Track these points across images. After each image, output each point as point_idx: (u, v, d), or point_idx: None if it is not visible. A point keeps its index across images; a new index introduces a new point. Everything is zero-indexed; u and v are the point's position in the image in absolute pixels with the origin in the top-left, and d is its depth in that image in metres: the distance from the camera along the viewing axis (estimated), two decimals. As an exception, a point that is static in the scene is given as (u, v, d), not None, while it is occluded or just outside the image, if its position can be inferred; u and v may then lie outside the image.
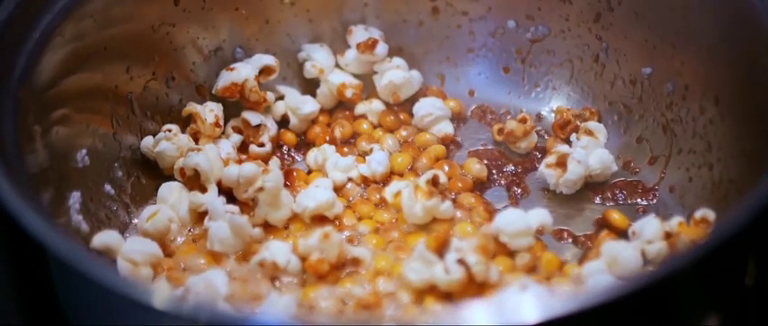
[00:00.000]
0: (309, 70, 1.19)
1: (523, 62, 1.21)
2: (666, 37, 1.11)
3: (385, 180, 1.11)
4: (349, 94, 1.18)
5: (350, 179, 1.11)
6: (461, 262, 0.93)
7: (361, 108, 1.19)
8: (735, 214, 0.84)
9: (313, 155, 1.14)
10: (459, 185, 1.10)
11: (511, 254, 1.01)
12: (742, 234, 0.84)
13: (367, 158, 1.12)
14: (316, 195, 1.05)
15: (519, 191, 1.11)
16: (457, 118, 1.19)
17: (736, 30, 1.03)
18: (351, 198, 1.10)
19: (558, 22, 1.18)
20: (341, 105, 1.20)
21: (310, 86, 1.20)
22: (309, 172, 1.13)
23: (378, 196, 1.09)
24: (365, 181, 1.12)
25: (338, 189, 1.10)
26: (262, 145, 1.14)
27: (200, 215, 1.06)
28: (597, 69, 1.17)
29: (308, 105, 1.17)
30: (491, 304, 0.92)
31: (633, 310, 0.81)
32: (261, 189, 1.03)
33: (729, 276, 0.92)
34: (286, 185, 1.08)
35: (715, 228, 0.96)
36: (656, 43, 1.12)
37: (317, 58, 1.19)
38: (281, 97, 1.19)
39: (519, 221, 1.00)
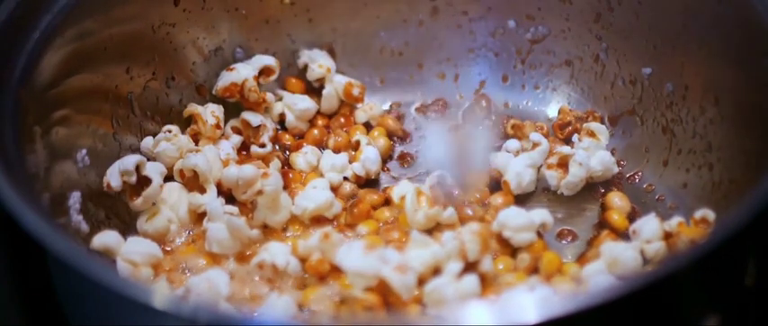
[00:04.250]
0: (316, 70, 1.19)
1: (523, 62, 1.21)
2: (666, 37, 1.11)
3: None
4: (356, 92, 1.18)
5: (345, 178, 1.11)
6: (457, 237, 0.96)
7: (361, 116, 1.19)
8: (735, 214, 0.84)
9: (301, 157, 1.13)
10: (477, 196, 1.09)
11: (513, 254, 1.01)
12: (742, 234, 0.84)
13: (360, 157, 1.12)
14: (314, 197, 1.05)
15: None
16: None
17: (737, 30, 1.03)
18: (349, 200, 1.10)
19: (558, 22, 1.18)
20: (339, 113, 1.20)
21: (311, 92, 1.20)
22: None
23: (375, 197, 1.09)
24: (358, 180, 1.12)
25: (335, 189, 1.10)
26: (262, 145, 1.14)
27: (199, 216, 1.06)
28: (597, 69, 1.17)
29: (304, 102, 1.17)
30: (491, 304, 0.92)
31: (633, 310, 0.81)
32: (260, 192, 1.03)
33: (729, 276, 0.92)
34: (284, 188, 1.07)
35: (715, 228, 0.96)
36: (656, 43, 1.12)
37: (320, 60, 1.19)
38: (281, 99, 1.19)
39: (521, 216, 1.00)
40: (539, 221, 1.02)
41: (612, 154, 1.13)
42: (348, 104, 1.20)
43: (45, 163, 0.98)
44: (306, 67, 1.20)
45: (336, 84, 1.19)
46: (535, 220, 1.01)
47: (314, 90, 1.20)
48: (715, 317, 0.90)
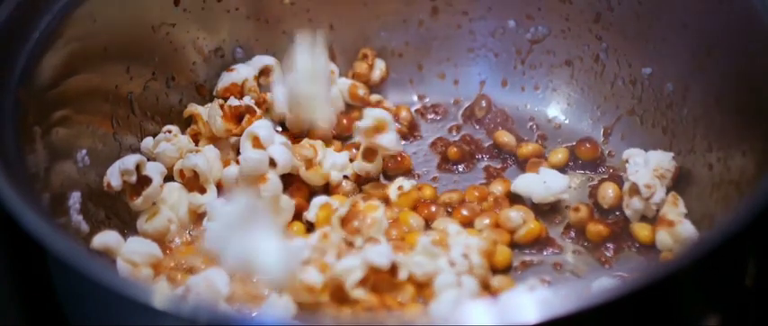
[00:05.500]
0: None
1: (523, 63, 1.21)
2: (666, 37, 1.11)
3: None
4: (361, 93, 1.18)
5: (345, 177, 1.11)
6: (466, 256, 0.96)
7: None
8: (735, 214, 0.84)
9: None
10: (476, 194, 1.09)
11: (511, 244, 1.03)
12: (742, 234, 0.84)
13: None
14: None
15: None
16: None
17: (737, 30, 1.03)
18: (349, 198, 1.10)
19: (558, 22, 1.18)
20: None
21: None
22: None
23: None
24: (358, 179, 1.12)
25: (334, 188, 1.10)
26: (262, 145, 1.14)
27: (199, 216, 1.07)
28: (597, 69, 1.17)
29: None
30: (491, 304, 0.92)
31: (633, 310, 0.81)
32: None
33: (729, 276, 0.92)
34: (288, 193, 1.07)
35: (715, 228, 0.96)
36: (656, 43, 1.12)
37: None
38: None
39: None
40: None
41: (610, 156, 1.13)
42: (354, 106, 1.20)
43: (45, 163, 0.98)
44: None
45: (341, 86, 1.19)
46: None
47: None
48: (715, 317, 0.90)
